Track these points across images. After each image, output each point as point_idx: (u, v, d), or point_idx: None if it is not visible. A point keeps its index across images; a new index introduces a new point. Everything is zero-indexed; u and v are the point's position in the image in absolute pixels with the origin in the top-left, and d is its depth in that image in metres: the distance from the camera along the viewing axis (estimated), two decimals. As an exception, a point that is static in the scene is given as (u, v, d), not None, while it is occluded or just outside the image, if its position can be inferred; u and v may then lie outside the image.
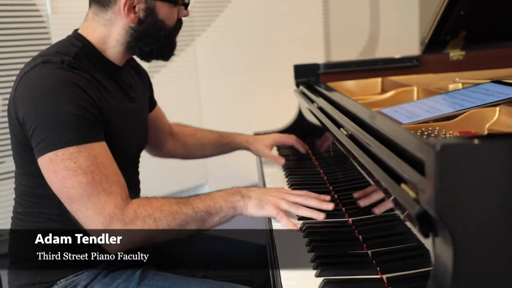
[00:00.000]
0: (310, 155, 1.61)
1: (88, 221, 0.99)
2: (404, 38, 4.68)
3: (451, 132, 1.07)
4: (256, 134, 1.88)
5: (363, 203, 1.05)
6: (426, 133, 1.07)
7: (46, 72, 1.03)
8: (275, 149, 1.80)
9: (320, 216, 1.05)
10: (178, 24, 1.20)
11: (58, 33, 2.86)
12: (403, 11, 4.63)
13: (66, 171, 0.97)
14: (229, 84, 3.64)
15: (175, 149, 1.58)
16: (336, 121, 1.12)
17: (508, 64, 1.78)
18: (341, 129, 1.06)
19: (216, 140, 1.58)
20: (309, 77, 1.85)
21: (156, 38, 1.16)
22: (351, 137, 1.00)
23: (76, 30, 1.18)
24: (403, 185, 0.65)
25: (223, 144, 1.59)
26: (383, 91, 1.83)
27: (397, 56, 1.90)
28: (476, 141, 0.50)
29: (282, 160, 1.51)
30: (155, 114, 1.46)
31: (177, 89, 3.38)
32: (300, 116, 1.85)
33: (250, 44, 3.69)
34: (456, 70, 1.82)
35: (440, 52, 1.86)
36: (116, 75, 1.19)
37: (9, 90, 1.13)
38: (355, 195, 1.08)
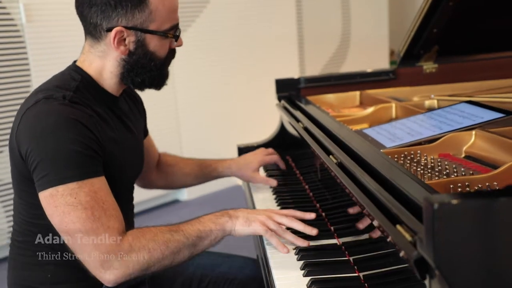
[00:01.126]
0: (295, 170, 1.67)
1: (86, 256, 1.02)
2: (374, 39, 4.80)
3: (432, 156, 1.15)
4: (240, 148, 1.93)
5: (361, 225, 1.11)
6: (409, 157, 1.14)
7: (48, 108, 1.04)
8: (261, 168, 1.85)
9: (305, 244, 1.10)
10: (171, 54, 1.21)
11: (33, 42, 2.85)
12: (373, 13, 4.74)
13: (67, 206, 1.00)
14: (205, 89, 3.68)
15: (158, 180, 1.58)
16: (326, 147, 1.18)
17: (477, 76, 1.89)
18: (330, 156, 1.12)
19: (197, 169, 1.58)
20: (290, 91, 1.91)
21: (147, 68, 1.17)
22: (341, 165, 1.06)
23: (75, 62, 1.20)
24: (398, 226, 0.71)
25: (204, 174, 1.59)
26: (362, 103, 1.91)
27: (369, 69, 1.99)
28: (471, 199, 0.56)
29: (275, 182, 1.52)
30: (146, 144, 1.47)
31: (153, 96, 3.39)
32: (282, 129, 1.90)
33: (225, 48, 3.73)
34: (430, 82, 1.91)
35: (414, 65, 1.95)
36: (114, 105, 1.21)
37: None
38: (350, 210, 1.14)
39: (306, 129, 1.42)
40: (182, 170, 1.58)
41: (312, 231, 1.13)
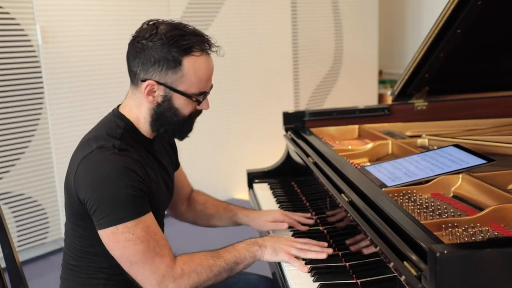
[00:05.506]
0: (301, 197, 1.88)
1: (146, 280, 1.22)
2: (365, 59, 5.06)
3: (426, 196, 1.37)
4: (249, 173, 2.14)
5: (353, 248, 1.33)
6: (407, 196, 1.36)
7: (103, 158, 1.23)
8: (267, 188, 2.06)
9: (323, 256, 1.34)
10: (195, 113, 1.36)
11: (48, 62, 3.02)
12: (363, 35, 5.00)
13: (127, 241, 1.20)
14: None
15: (187, 214, 1.71)
16: (337, 185, 1.40)
17: (462, 114, 2.14)
18: (342, 194, 1.34)
19: (222, 212, 1.69)
20: (296, 123, 2.13)
21: (170, 122, 1.33)
22: (352, 203, 1.28)
23: (118, 106, 1.37)
24: (405, 263, 0.93)
25: (227, 217, 1.69)
26: (360, 136, 2.13)
27: (362, 106, 2.21)
28: (464, 249, 0.78)
29: (285, 225, 1.57)
30: (177, 175, 1.63)
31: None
32: (288, 156, 2.12)
33: (227, 70, 3.93)
34: (420, 118, 2.15)
35: (407, 102, 2.19)
36: (150, 146, 1.40)
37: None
38: (347, 241, 1.36)
39: (316, 164, 1.64)
40: (208, 211, 1.70)
41: (328, 251, 1.36)
